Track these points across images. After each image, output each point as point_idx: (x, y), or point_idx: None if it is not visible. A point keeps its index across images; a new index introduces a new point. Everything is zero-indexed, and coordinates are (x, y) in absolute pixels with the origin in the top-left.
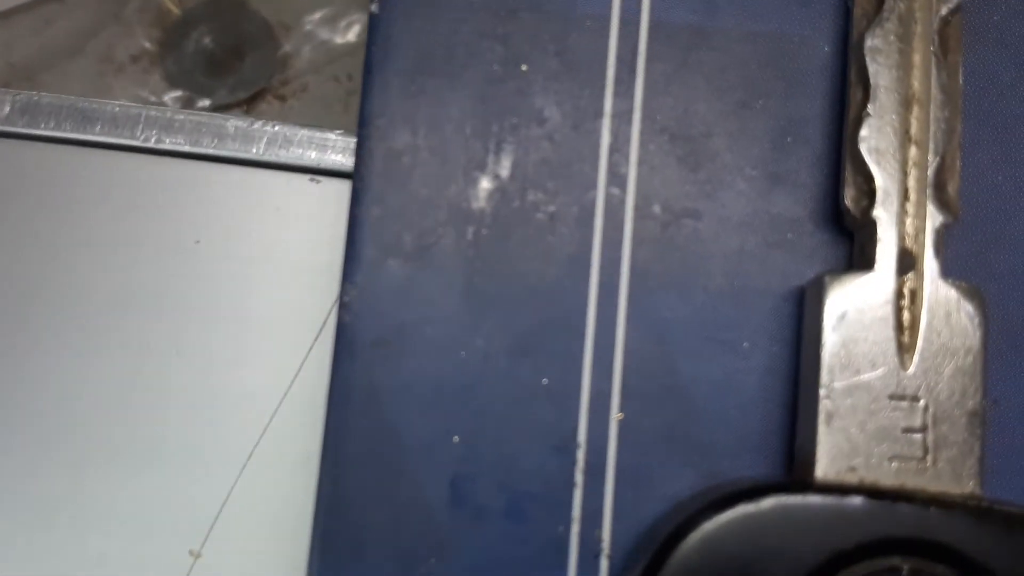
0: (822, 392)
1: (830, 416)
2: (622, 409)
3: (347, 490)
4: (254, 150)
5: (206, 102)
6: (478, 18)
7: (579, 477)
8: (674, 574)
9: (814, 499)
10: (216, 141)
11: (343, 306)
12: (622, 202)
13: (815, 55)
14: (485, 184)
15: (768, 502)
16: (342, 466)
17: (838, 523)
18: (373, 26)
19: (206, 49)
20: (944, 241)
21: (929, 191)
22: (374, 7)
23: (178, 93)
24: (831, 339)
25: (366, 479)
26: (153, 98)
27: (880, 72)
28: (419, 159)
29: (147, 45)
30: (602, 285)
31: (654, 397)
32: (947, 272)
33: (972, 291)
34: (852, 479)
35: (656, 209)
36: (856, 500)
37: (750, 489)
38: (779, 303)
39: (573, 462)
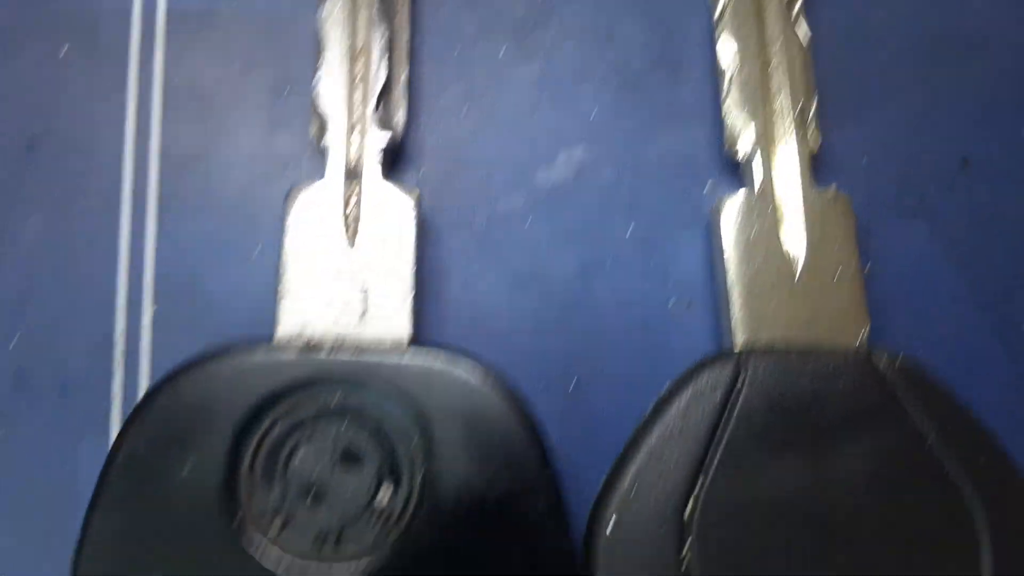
0: (281, 272)
1: (285, 294)
2: (155, 304)
3: None
4: None
5: None
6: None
7: (118, 362)
8: (149, 410)
9: (263, 353)
10: None
11: None
12: (146, 149)
13: (305, 25)
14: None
15: (228, 356)
16: None
17: (280, 367)
18: None
19: None
20: (390, 155)
21: (375, 120)
22: None
23: None
24: (291, 235)
25: None
26: None
27: (328, 34)
28: None
29: None
30: (134, 214)
31: (183, 299)
32: (394, 177)
33: (408, 190)
34: (301, 338)
35: (178, 153)
36: (292, 350)
37: (217, 348)
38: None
39: (112, 352)
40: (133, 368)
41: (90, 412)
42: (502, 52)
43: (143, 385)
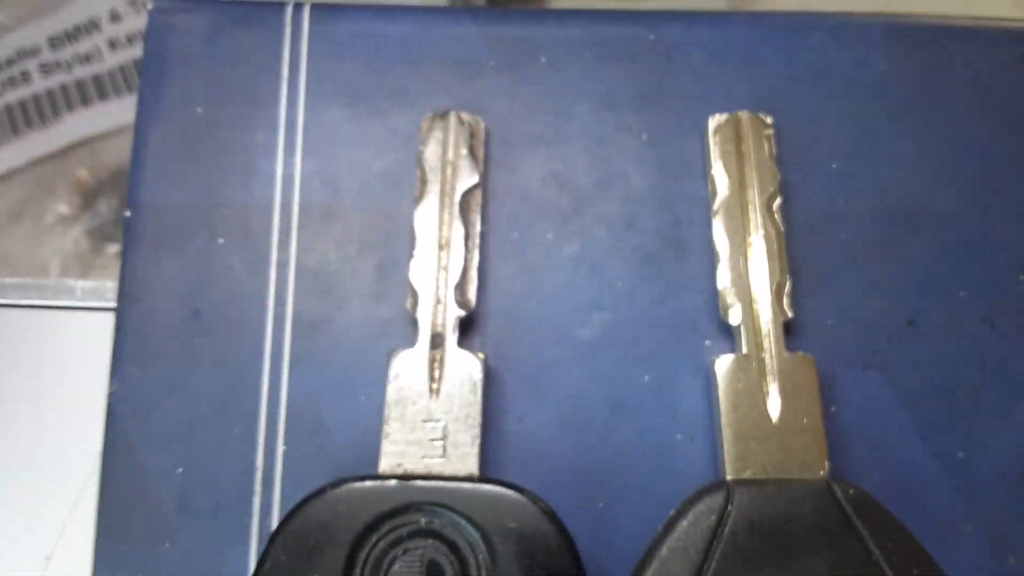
0: (384, 416)
1: (387, 435)
2: (285, 444)
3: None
4: None
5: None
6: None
7: (258, 487)
8: (286, 530)
9: (370, 484)
10: None
11: None
12: (283, 316)
13: (404, 219)
14: None
15: (344, 486)
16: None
17: (383, 495)
18: None
19: None
20: (464, 323)
21: (454, 298)
22: None
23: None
24: (392, 388)
25: (133, 497)
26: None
27: (421, 228)
28: None
29: None
30: (272, 368)
31: (308, 437)
32: (468, 345)
33: (479, 358)
34: (399, 471)
35: (307, 319)
36: (392, 482)
37: (336, 480)
38: None
39: (254, 479)
40: (269, 492)
41: (235, 528)
42: (549, 236)
43: (276, 505)
